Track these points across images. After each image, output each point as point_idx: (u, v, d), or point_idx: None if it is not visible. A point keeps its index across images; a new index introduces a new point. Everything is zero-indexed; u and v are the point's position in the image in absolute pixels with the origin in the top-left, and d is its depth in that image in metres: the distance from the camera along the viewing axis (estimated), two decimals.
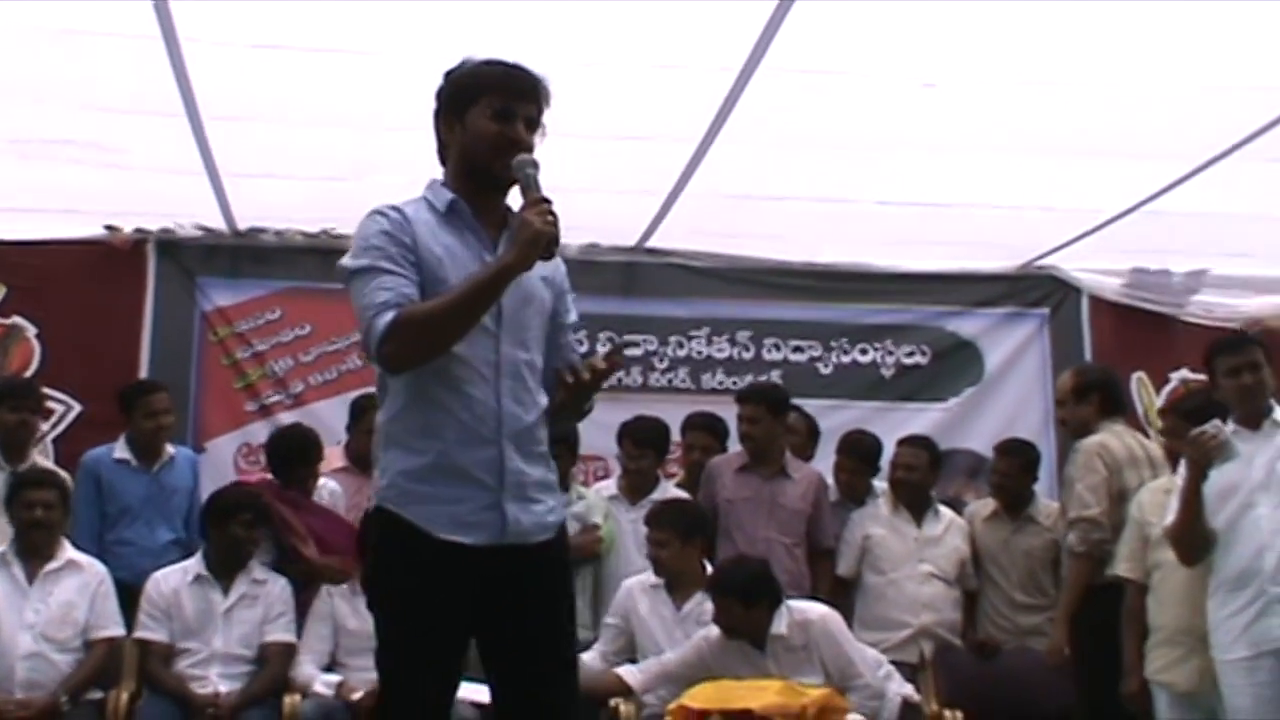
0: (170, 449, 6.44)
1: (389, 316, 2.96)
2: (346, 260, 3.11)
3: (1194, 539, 4.91)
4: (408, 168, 6.30)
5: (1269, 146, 5.87)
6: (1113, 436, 5.94)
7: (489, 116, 3.12)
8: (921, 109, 5.72)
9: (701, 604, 5.66)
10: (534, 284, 3.14)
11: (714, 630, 5.47)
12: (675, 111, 5.64)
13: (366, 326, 3.01)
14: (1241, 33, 4.95)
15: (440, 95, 3.22)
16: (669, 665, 5.53)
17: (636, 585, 5.85)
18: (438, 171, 6.32)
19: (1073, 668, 5.86)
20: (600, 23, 4.94)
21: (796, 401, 6.93)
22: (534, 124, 3.15)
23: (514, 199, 3.16)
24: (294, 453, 6.30)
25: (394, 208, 3.14)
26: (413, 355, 3.01)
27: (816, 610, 5.59)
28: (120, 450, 6.32)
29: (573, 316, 3.35)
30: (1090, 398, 6.10)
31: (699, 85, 5.41)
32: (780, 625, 5.43)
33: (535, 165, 3.06)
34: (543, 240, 2.96)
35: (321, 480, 6.36)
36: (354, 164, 6.35)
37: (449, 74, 3.23)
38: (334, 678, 5.69)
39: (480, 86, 3.15)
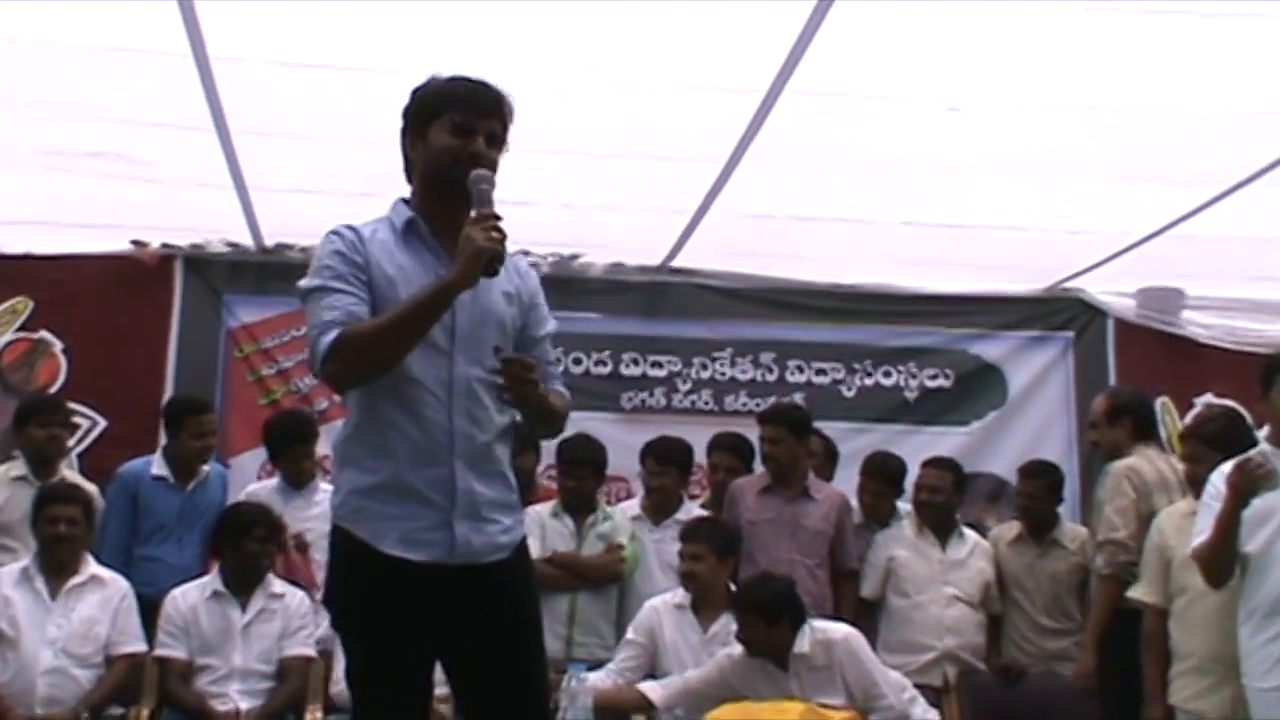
0: (205, 466, 6.47)
1: (332, 335, 2.99)
2: (302, 280, 3.14)
3: (1224, 563, 4.85)
4: None
5: None
6: (1143, 460, 5.91)
7: (448, 131, 3.13)
8: (946, 132, 5.71)
9: (727, 626, 5.64)
10: (493, 299, 3.13)
11: (737, 649, 5.45)
12: (702, 132, 5.65)
13: (312, 345, 3.03)
14: (1269, 57, 4.92)
15: (406, 112, 3.24)
16: (691, 683, 5.50)
17: (661, 605, 5.82)
18: None
19: (1097, 693, 5.83)
20: (627, 44, 4.96)
21: (819, 424, 6.93)
22: (497, 140, 3.16)
23: None
24: (288, 430, 6.45)
25: (350, 227, 3.17)
26: (354, 374, 3.05)
27: (840, 630, 5.56)
28: (157, 466, 6.34)
29: (547, 328, 3.33)
30: (1122, 421, 6.09)
31: (725, 107, 5.42)
32: (803, 644, 5.40)
33: (490, 181, 3.05)
34: (484, 256, 2.94)
35: (325, 485, 6.35)
36: (381, 179, 6.36)
37: (415, 91, 3.24)
38: None
39: (442, 102, 3.17)
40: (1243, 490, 4.72)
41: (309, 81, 5.30)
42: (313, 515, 6.27)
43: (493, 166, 3.11)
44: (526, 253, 3.23)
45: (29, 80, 5.42)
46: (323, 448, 6.63)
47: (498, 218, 2.98)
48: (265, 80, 5.29)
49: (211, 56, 5.04)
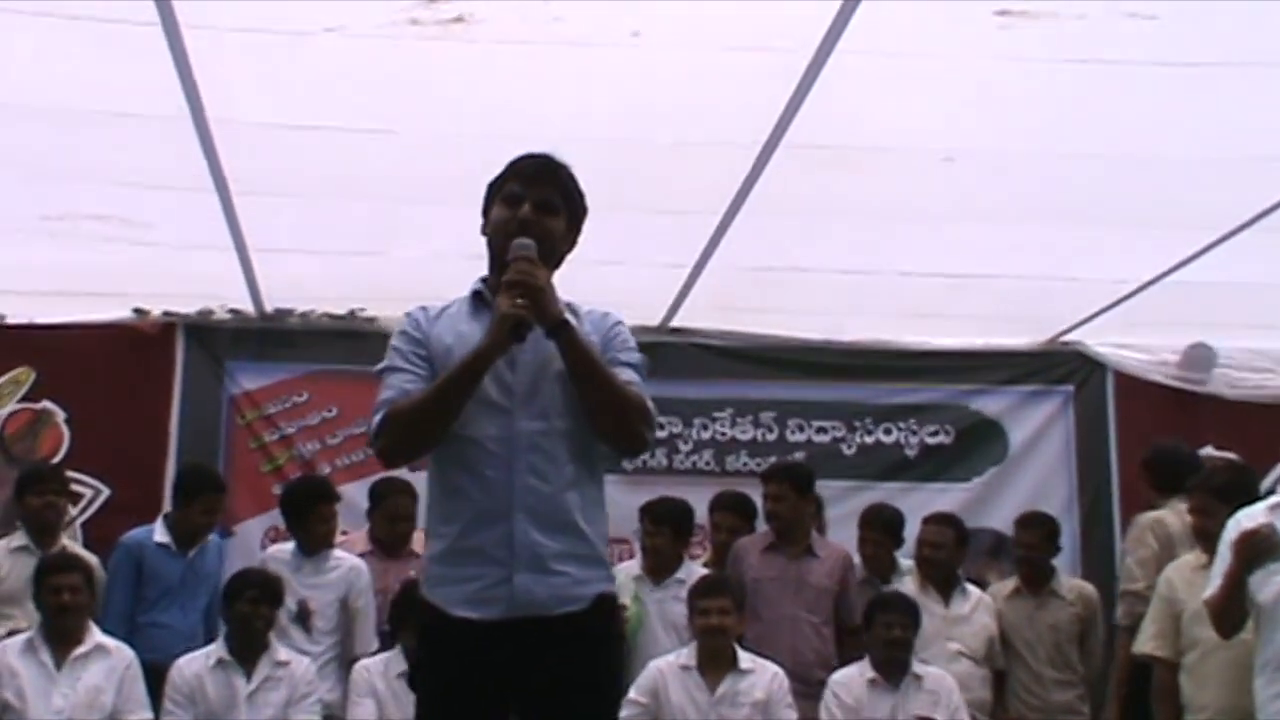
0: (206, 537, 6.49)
1: (380, 414, 3.11)
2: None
3: (1233, 616, 4.86)
4: (426, 238, 6.44)
5: None
6: (1172, 514, 5.95)
7: (501, 202, 3.21)
8: (942, 182, 5.76)
9: (734, 685, 5.67)
10: (548, 355, 3.12)
11: None
12: (698, 186, 5.68)
13: (369, 426, 3.16)
14: (1262, 102, 4.97)
15: (483, 200, 3.32)
16: None
17: (666, 666, 5.80)
18: (454, 241, 6.40)
19: None
20: (622, 99, 5.00)
21: (822, 484, 6.94)
22: (550, 206, 3.20)
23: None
24: (304, 497, 6.42)
25: (422, 307, 3.30)
26: (401, 448, 3.17)
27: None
28: (160, 534, 6.35)
29: (623, 356, 3.27)
30: (1156, 474, 6.25)
31: (722, 160, 5.46)
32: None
33: (527, 248, 3.09)
34: (507, 323, 3.00)
35: (340, 553, 6.39)
36: (377, 237, 6.43)
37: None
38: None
39: (502, 179, 3.27)
40: (1247, 559, 4.74)
41: (306, 141, 5.35)
42: (319, 583, 6.27)
43: (546, 232, 3.17)
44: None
45: (30, 145, 5.47)
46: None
47: (524, 284, 3.03)
48: (263, 141, 5.34)
49: (210, 119, 5.10)
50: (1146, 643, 5.44)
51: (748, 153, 5.40)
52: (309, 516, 6.36)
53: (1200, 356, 8.12)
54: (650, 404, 3.19)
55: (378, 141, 5.38)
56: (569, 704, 3.11)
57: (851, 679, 5.89)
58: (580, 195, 3.29)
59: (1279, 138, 5.23)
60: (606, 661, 3.26)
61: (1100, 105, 5.10)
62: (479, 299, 3.26)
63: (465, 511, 3.10)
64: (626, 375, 3.19)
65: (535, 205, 3.17)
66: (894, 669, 5.83)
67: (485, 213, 3.29)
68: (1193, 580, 5.25)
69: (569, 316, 3.11)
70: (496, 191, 3.26)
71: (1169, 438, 7.01)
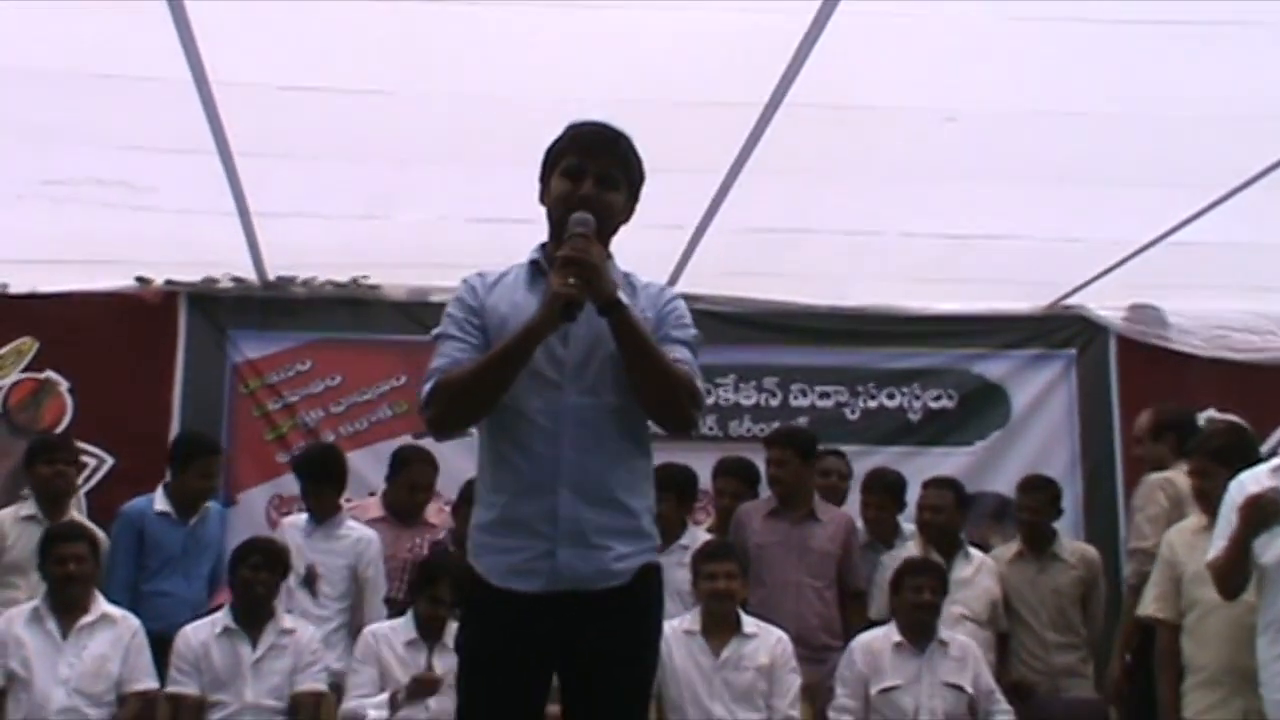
0: (206, 503, 6.51)
1: (431, 382, 3.13)
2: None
3: (1237, 577, 4.86)
4: (429, 201, 6.42)
5: None
6: (1182, 475, 5.87)
7: (560, 175, 3.20)
8: (944, 141, 5.75)
9: (738, 650, 5.70)
10: (599, 331, 3.11)
11: None
12: (701, 146, 5.66)
13: (420, 393, 3.17)
14: (1264, 60, 4.97)
15: (541, 165, 3.30)
16: None
17: (670, 631, 5.71)
18: (457, 204, 6.39)
19: (1119, 705, 5.85)
20: (623, 58, 5.00)
21: (826, 446, 6.96)
22: (611, 180, 3.20)
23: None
24: (317, 465, 6.52)
25: (479, 274, 3.30)
26: (449, 418, 3.16)
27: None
28: (160, 502, 6.37)
29: (676, 333, 3.27)
30: (1166, 437, 6.18)
31: (725, 120, 5.46)
32: None
33: (585, 224, 3.08)
34: (558, 302, 3.00)
35: (352, 522, 6.42)
36: (380, 200, 6.42)
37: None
38: (383, 697, 5.67)
39: (560, 149, 3.24)
40: (1254, 524, 4.74)
41: (308, 103, 5.35)
42: (329, 549, 6.31)
43: (606, 207, 3.16)
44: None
45: (32, 109, 5.47)
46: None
47: (579, 262, 3.01)
48: (265, 103, 5.34)
49: (212, 81, 5.11)
50: (1149, 605, 5.45)
51: (750, 112, 5.39)
52: (321, 484, 6.41)
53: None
54: (700, 383, 3.20)
55: (378, 102, 5.38)
56: (611, 676, 3.15)
57: (876, 640, 5.91)
58: (639, 164, 3.28)
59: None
60: (648, 633, 3.28)
61: (1101, 64, 5.10)
62: (536, 268, 3.26)
63: (511, 483, 3.13)
64: (678, 354, 3.20)
65: (597, 180, 3.17)
66: (920, 633, 5.85)
67: (543, 179, 3.28)
68: (1193, 543, 5.26)
69: (624, 291, 3.11)
70: (555, 161, 3.23)
71: (1170, 400, 7.02)
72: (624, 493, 3.16)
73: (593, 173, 3.17)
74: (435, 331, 3.27)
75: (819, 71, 4.97)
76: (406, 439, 7.45)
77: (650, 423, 3.23)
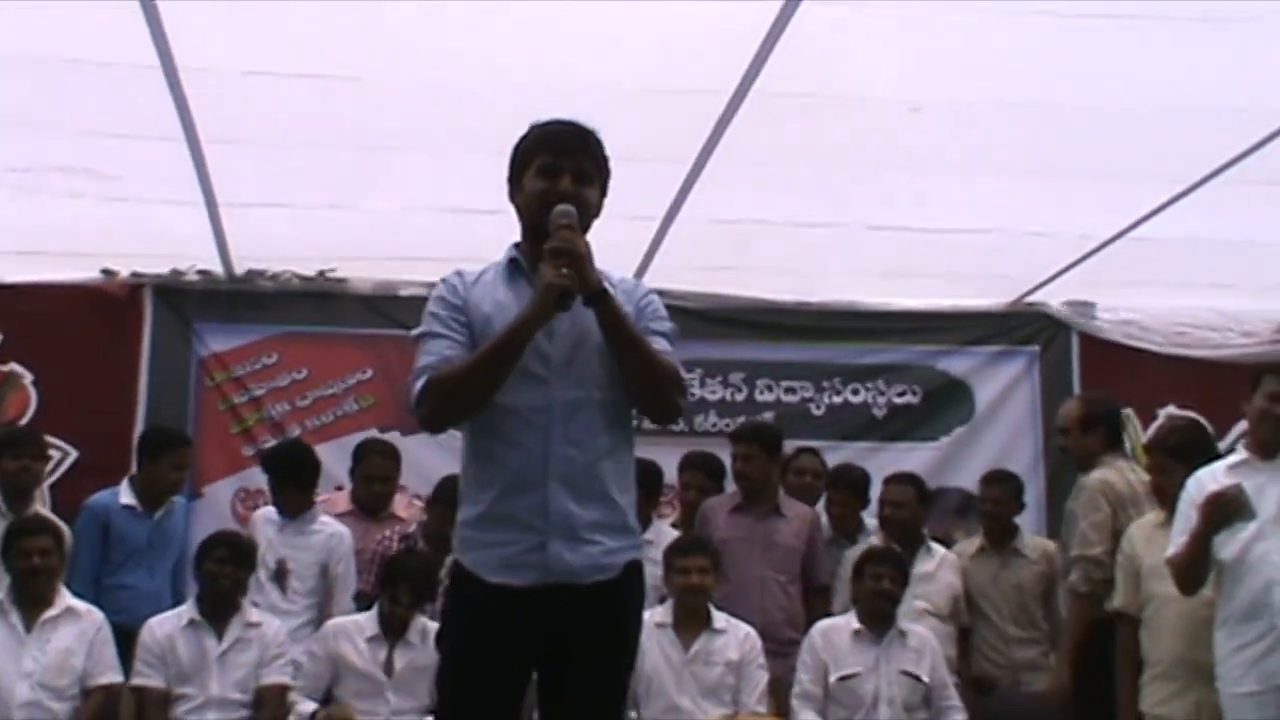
0: (173, 497, 6.51)
1: (422, 380, 3.13)
2: (415, 330, 3.29)
3: (1196, 573, 4.92)
4: (396, 190, 6.40)
5: (1254, 170, 5.92)
6: (1115, 473, 5.89)
7: (535, 174, 3.23)
8: (909, 132, 5.77)
9: (708, 645, 5.76)
10: (591, 325, 3.16)
11: None
12: (669, 136, 5.67)
13: (408, 391, 3.17)
14: (1228, 54, 5.02)
15: (509, 165, 3.33)
16: None
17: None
18: (423, 193, 6.35)
19: (1072, 707, 5.85)
20: (590, 46, 5.02)
21: (791, 443, 7.00)
22: (586, 176, 3.24)
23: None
24: (285, 461, 6.53)
25: (458, 272, 3.31)
26: (443, 415, 3.18)
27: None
28: (125, 495, 6.36)
29: (654, 325, 3.32)
30: (1096, 430, 6.06)
31: (692, 109, 5.47)
32: None
33: (569, 215, 3.12)
34: (552, 292, 3.04)
35: (325, 518, 6.44)
36: (347, 189, 6.43)
37: (516, 142, 3.34)
38: (310, 705, 5.73)
39: (531, 148, 3.28)
40: (1215, 521, 4.79)
41: (275, 90, 5.35)
42: (301, 544, 6.33)
43: (584, 202, 3.20)
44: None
45: None
46: None
47: (569, 253, 3.05)
48: (232, 89, 5.33)
49: (179, 66, 5.09)
50: (1116, 599, 5.48)
51: (717, 101, 5.40)
52: (289, 482, 6.42)
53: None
54: (682, 372, 3.26)
55: (346, 89, 5.37)
56: (594, 670, 3.20)
57: (836, 628, 5.96)
58: (607, 160, 3.32)
59: (1243, 89, 5.27)
60: (632, 629, 3.32)
61: (1067, 56, 5.12)
62: (514, 266, 3.29)
63: (500, 478, 3.15)
64: (660, 345, 3.24)
65: (573, 176, 3.21)
66: (879, 621, 5.89)
67: (513, 180, 3.31)
68: (1151, 538, 5.31)
69: (607, 286, 3.15)
70: (527, 161, 3.26)
71: (1096, 390, 7.05)
72: (611, 487, 3.21)
73: (569, 169, 3.21)
74: (419, 330, 3.26)
75: (787, 60, 4.98)
76: (373, 433, 7.49)
77: (637, 414, 3.28)
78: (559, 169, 3.20)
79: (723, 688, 5.74)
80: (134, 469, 6.51)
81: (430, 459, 7.31)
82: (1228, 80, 5.20)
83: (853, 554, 6.47)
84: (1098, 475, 5.89)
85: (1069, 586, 5.82)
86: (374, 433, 7.52)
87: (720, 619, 5.87)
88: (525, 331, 3.08)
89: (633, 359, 3.15)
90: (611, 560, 3.19)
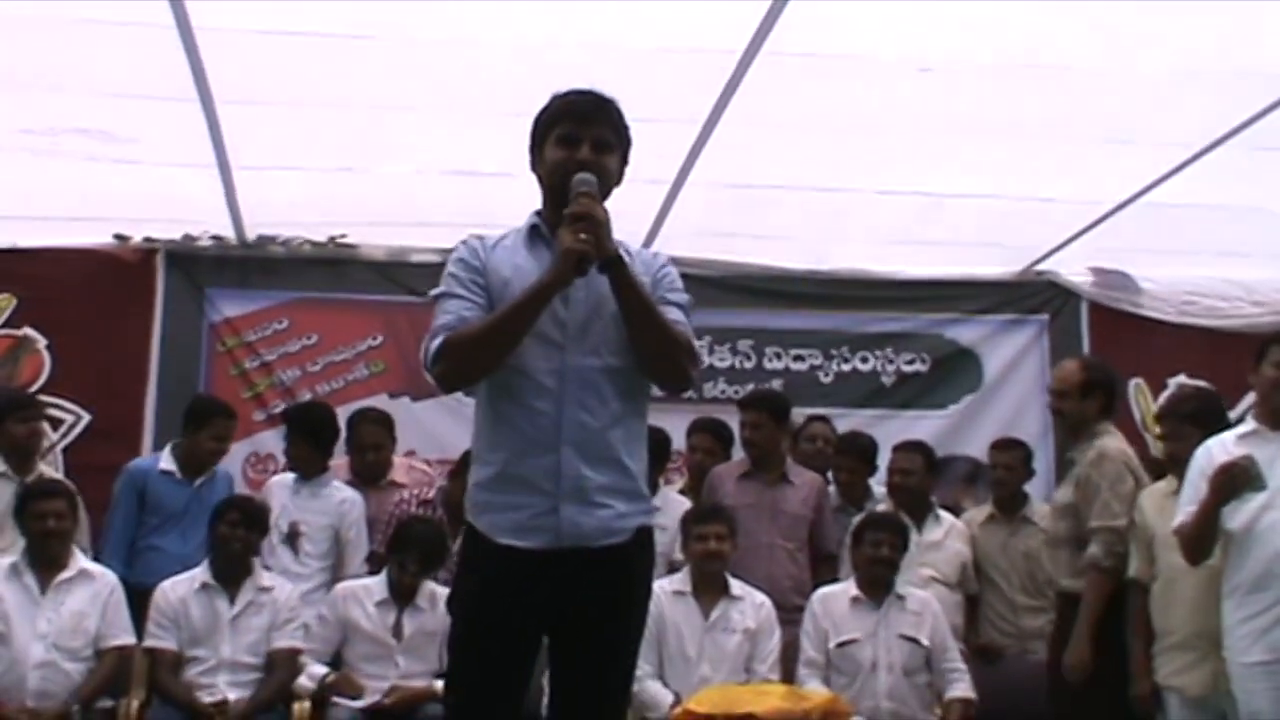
0: (213, 466, 6.56)
1: (439, 339, 3.16)
2: (434, 290, 3.32)
3: (1204, 543, 4.92)
4: (408, 154, 6.35)
5: (1265, 135, 5.91)
6: (1123, 443, 5.77)
7: (555, 144, 3.27)
8: (919, 94, 5.75)
9: (727, 611, 5.82)
10: (607, 292, 3.19)
11: None
12: (680, 96, 5.66)
13: (424, 349, 3.19)
14: (1241, 18, 4.99)
15: (530, 134, 3.37)
16: None
17: (660, 591, 5.78)
18: (435, 156, 6.32)
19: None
20: (602, 7, 5.00)
21: (799, 410, 7.02)
22: (606, 144, 3.28)
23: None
24: (307, 422, 6.61)
25: (477, 236, 3.34)
26: (459, 374, 3.21)
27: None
28: (166, 462, 6.44)
29: (671, 296, 3.36)
30: (1095, 395, 5.81)
31: (703, 67, 5.45)
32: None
33: (589, 184, 3.16)
34: (572, 257, 3.07)
35: (339, 483, 6.52)
36: (360, 152, 6.43)
37: (538, 114, 3.37)
38: (320, 669, 5.79)
39: (551, 118, 3.32)
40: (1224, 492, 4.79)
41: (290, 48, 5.34)
42: (314, 508, 6.40)
43: (603, 171, 3.24)
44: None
45: (8, 55, 5.44)
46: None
47: (589, 219, 3.09)
48: (248, 47, 5.33)
49: (194, 25, 5.08)
50: (1133, 568, 5.43)
51: (728, 59, 5.38)
52: (303, 443, 6.48)
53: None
54: (695, 343, 3.31)
55: (359, 49, 5.37)
56: (604, 631, 3.24)
57: (834, 595, 5.98)
58: (627, 128, 3.36)
59: (1256, 52, 5.25)
60: (642, 593, 3.38)
61: (1075, 18, 5.09)
62: (535, 233, 3.32)
63: (512, 441, 3.18)
64: (674, 315, 3.28)
65: (592, 145, 3.25)
66: (878, 588, 5.92)
67: (534, 150, 3.35)
68: (1164, 507, 5.28)
69: (624, 255, 3.19)
70: (547, 131, 3.30)
71: (1094, 357, 6.98)
72: (623, 453, 3.24)
73: (587, 138, 3.25)
74: (436, 290, 3.29)
75: (797, 18, 4.97)
76: (383, 398, 7.53)
77: (649, 383, 3.30)
78: (578, 138, 3.24)
79: (739, 655, 5.79)
80: (149, 433, 6.54)
81: (441, 424, 7.37)
82: (1239, 43, 5.18)
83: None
84: (1116, 446, 5.69)
85: (1090, 559, 5.49)
86: (384, 398, 7.56)
87: (737, 586, 5.91)
88: (543, 295, 3.11)
89: (645, 326, 3.18)
90: (623, 524, 3.22)
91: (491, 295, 3.23)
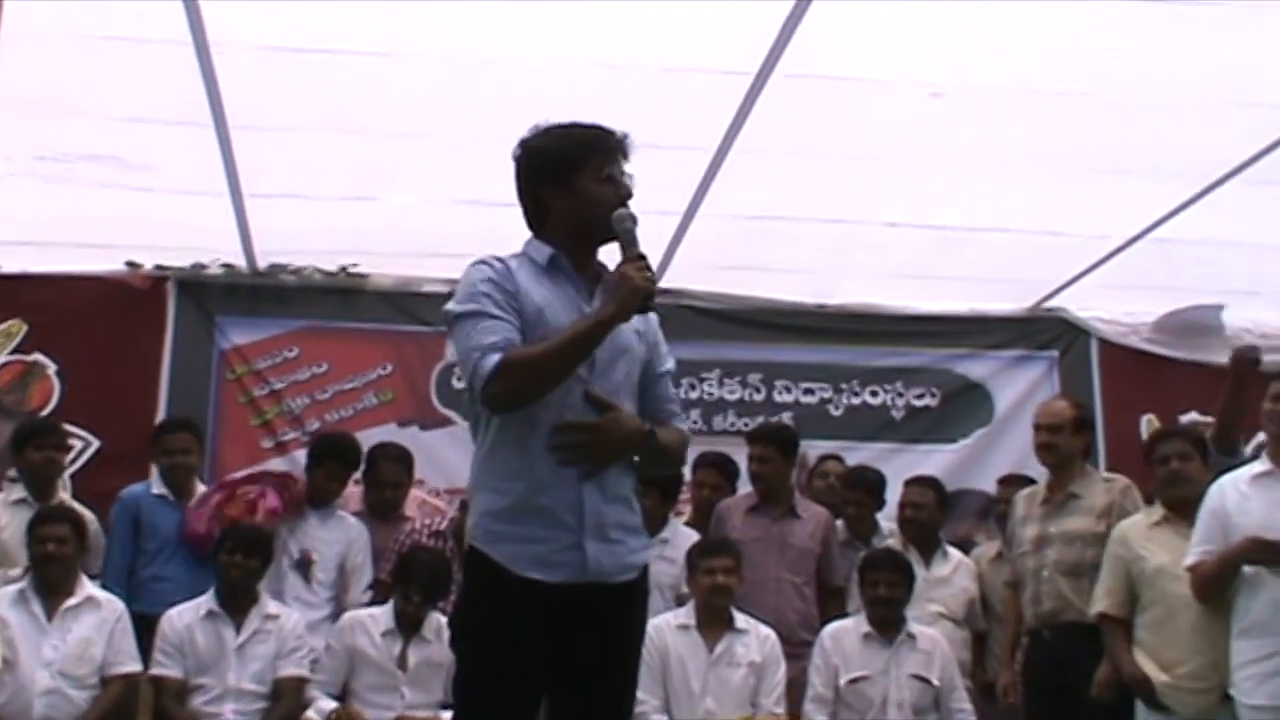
0: (199, 485, 6.54)
1: (495, 359, 3.10)
2: (452, 305, 3.25)
3: (1222, 589, 4.96)
4: (419, 182, 6.31)
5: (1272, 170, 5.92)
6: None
7: (600, 180, 3.27)
8: (930, 122, 5.77)
9: (731, 645, 5.80)
10: (627, 337, 3.26)
11: None
12: (691, 121, 5.68)
13: (472, 367, 3.13)
14: (1254, 49, 5.02)
15: (532, 163, 3.34)
16: None
17: (665, 625, 5.85)
18: (445, 185, 6.30)
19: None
20: (612, 30, 5.04)
21: (809, 444, 7.02)
22: (630, 180, 3.32)
23: (605, 254, 3.34)
24: (324, 450, 6.59)
25: (497, 258, 3.29)
26: (517, 396, 3.15)
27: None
28: (156, 486, 6.42)
29: (667, 365, 3.45)
30: (1083, 434, 6.00)
31: (715, 90, 5.47)
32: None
33: (634, 220, 3.21)
34: (640, 295, 3.12)
35: (341, 512, 6.51)
36: (370, 181, 6.46)
37: (532, 142, 3.35)
38: (329, 704, 5.76)
39: (583, 151, 3.30)
40: (1256, 562, 4.84)
41: (303, 67, 5.36)
42: (325, 537, 6.39)
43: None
44: None
45: (21, 78, 5.42)
46: None
47: (644, 257, 3.18)
48: (262, 69, 5.35)
49: (211, 42, 5.09)
50: (1100, 602, 5.43)
51: (740, 83, 5.40)
52: (333, 469, 6.50)
53: (1198, 319, 8.14)
54: (687, 435, 3.48)
55: (372, 68, 5.39)
56: (612, 666, 3.26)
57: (846, 630, 5.97)
58: None
59: (1268, 84, 5.27)
60: (643, 626, 3.43)
61: (1088, 46, 5.12)
62: (555, 264, 3.30)
63: (532, 471, 3.16)
64: (668, 392, 3.46)
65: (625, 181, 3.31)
66: (887, 626, 5.90)
67: (552, 179, 3.30)
68: (1151, 536, 5.33)
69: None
70: (580, 163, 3.27)
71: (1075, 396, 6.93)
72: (629, 490, 3.28)
73: (621, 175, 3.29)
74: (464, 308, 3.20)
75: (809, 43, 5.00)
76: (391, 427, 7.53)
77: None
78: (620, 174, 3.28)
79: (744, 689, 5.77)
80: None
81: (451, 454, 7.36)
82: (1251, 76, 5.20)
83: None
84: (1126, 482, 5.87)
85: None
86: (393, 427, 7.56)
87: (742, 620, 5.89)
88: (608, 327, 3.14)
89: (660, 466, 3.44)
90: (634, 560, 3.26)
91: (524, 320, 3.20)
